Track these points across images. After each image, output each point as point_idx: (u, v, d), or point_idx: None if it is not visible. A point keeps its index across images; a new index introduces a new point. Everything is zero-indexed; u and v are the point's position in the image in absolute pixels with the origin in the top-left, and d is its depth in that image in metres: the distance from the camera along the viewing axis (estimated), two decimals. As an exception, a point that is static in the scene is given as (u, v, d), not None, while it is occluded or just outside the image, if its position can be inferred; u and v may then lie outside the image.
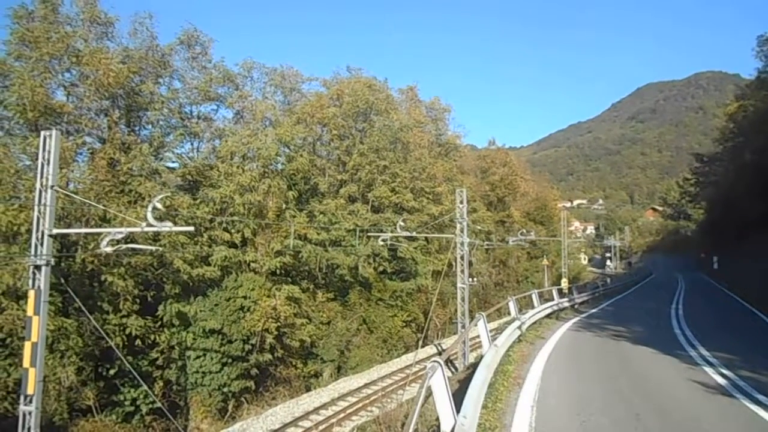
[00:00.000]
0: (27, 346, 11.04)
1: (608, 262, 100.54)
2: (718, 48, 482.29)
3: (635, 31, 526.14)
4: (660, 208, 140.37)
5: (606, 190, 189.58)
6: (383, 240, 28.85)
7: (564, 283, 44.72)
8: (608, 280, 53.67)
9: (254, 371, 24.88)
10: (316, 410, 21.25)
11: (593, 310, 29.09)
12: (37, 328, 10.98)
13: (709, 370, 12.87)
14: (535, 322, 20.13)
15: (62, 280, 17.72)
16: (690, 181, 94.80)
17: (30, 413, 11.10)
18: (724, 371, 12.55)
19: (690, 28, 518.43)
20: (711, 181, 75.03)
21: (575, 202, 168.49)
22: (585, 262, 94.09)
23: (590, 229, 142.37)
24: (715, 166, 73.03)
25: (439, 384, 7.40)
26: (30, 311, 11.07)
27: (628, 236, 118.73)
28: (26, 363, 11.03)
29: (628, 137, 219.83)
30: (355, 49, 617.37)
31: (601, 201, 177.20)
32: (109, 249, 12.01)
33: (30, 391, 10.99)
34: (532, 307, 22.09)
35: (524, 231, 47.16)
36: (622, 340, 18.19)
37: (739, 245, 52.02)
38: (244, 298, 24.61)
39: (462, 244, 26.56)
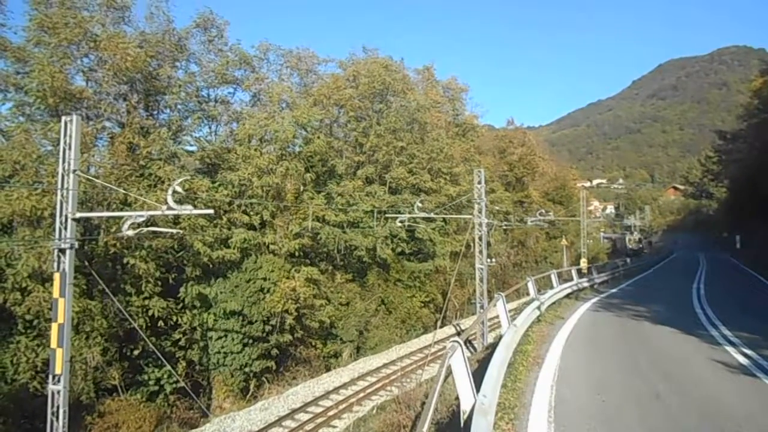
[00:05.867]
0: (54, 328, 11.32)
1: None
2: (742, 22, 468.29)
3: (656, 7, 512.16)
4: (681, 187, 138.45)
5: (626, 169, 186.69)
6: (401, 221, 28.91)
7: (583, 263, 44.39)
8: (628, 260, 53.14)
9: (275, 351, 25.20)
10: (336, 389, 21.59)
11: (613, 290, 28.84)
12: (63, 310, 11.24)
13: (731, 349, 12.73)
14: (554, 303, 20.02)
15: (86, 263, 18.10)
16: (712, 159, 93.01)
17: (58, 392, 11.43)
18: (747, 351, 12.40)
19: (712, 1, 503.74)
20: (734, 159, 73.44)
21: (595, 182, 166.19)
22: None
23: (610, 209, 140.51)
24: (738, 143, 71.41)
25: (459, 363, 7.41)
26: (56, 293, 11.33)
27: (649, 215, 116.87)
28: (53, 343, 11.33)
29: (649, 115, 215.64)
30: (371, 32, 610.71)
31: (621, 180, 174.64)
32: (130, 232, 12.22)
33: (58, 370, 11.30)
34: (551, 288, 21.93)
35: (543, 211, 46.83)
36: (642, 320, 18.05)
37: (763, 224, 51.13)
38: (264, 279, 24.84)
39: (480, 224, 26.50)
